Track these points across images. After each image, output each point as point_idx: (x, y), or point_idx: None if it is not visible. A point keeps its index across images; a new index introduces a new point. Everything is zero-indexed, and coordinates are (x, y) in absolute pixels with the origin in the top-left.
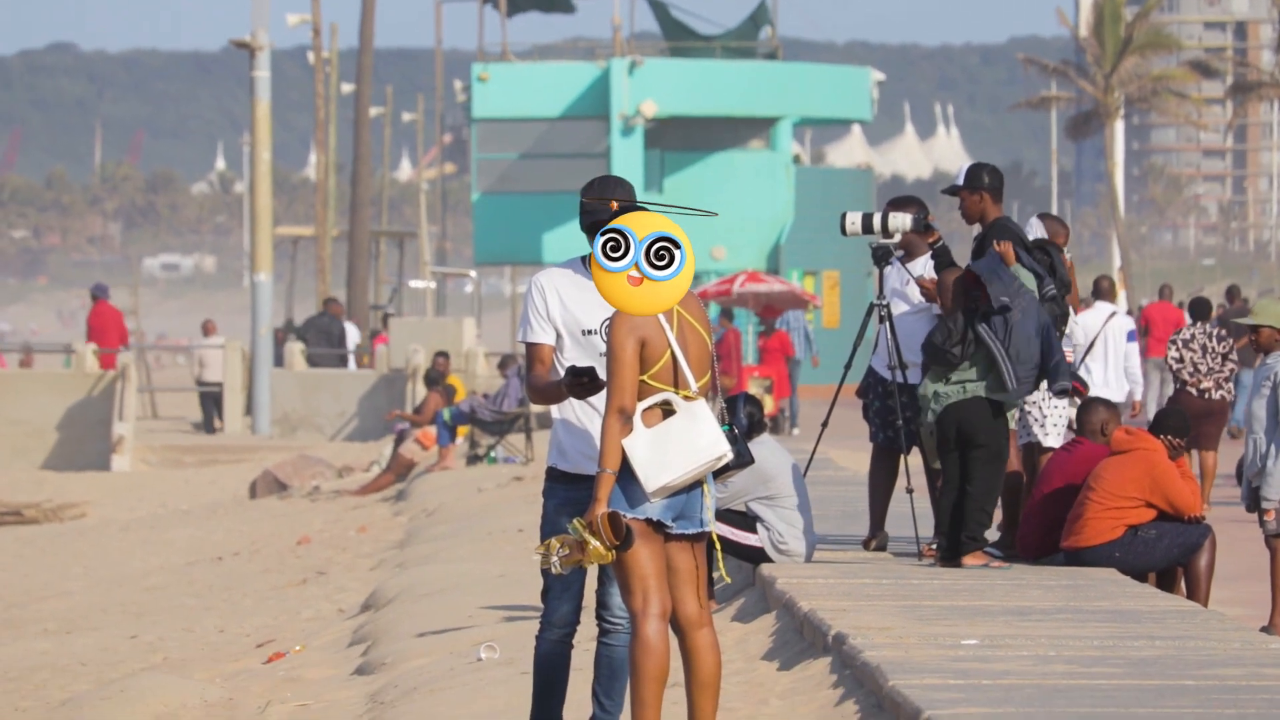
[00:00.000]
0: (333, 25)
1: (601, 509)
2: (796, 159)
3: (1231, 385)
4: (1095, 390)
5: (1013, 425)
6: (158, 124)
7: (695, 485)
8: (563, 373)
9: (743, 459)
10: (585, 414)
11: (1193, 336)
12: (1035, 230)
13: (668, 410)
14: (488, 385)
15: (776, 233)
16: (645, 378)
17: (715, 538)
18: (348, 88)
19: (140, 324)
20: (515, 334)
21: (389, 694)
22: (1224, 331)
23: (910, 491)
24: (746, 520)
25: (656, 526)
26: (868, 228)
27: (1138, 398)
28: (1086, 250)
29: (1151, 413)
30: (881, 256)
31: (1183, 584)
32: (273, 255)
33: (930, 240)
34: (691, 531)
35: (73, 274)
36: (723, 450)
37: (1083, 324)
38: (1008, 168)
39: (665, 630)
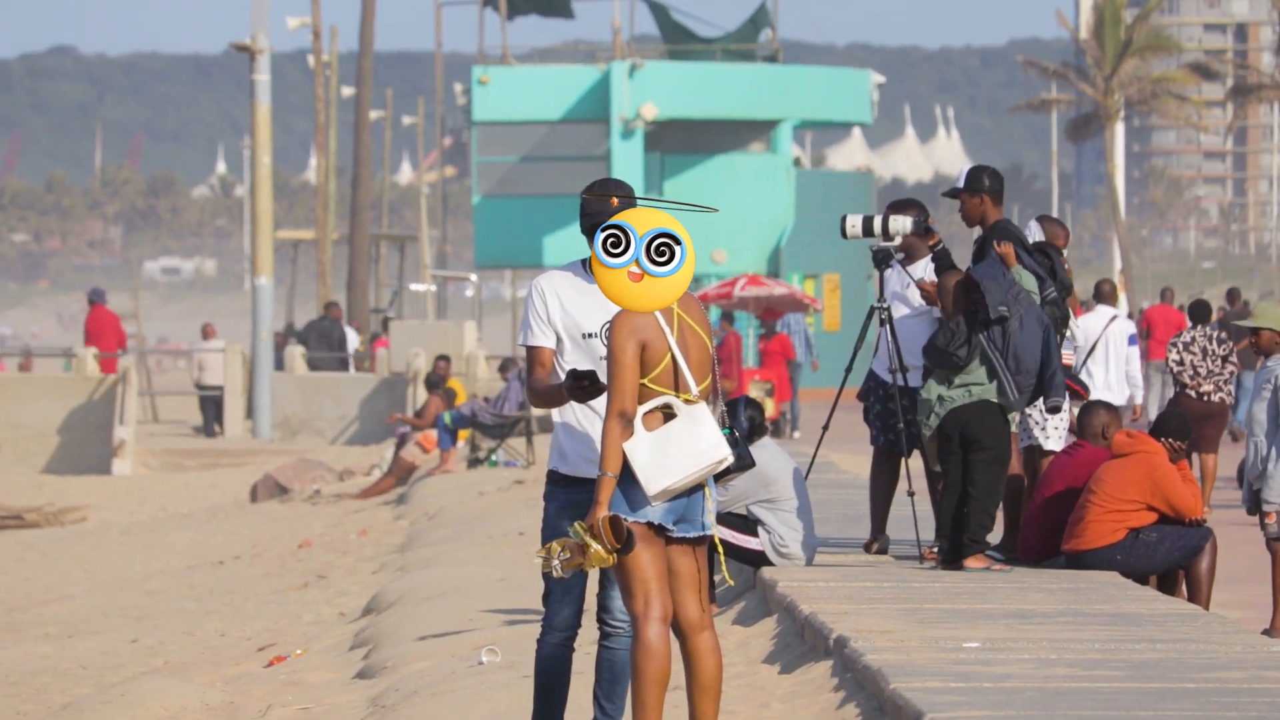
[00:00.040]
0: (333, 28)
1: (603, 512)
2: (797, 162)
3: (1232, 388)
4: (1096, 393)
5: (1014, 429)
6: (158, 127)
7: (696, 488)
8: (563, 376)
9: (744, 462)
10: (586, 417)
11: (1193, 339)
12: (1034, 234)
13: (669, 414)
14: (488, 389)
15: (777, 236)
16: (646, 381)
17: (717, 541)
18: (348, 91)
19: (141, 328)
20: (516, 337)
21: (390, 697)
22: (1224, 334)
23: (911, 494)
24: (747, 524)
25: (658, 530)
26: (868, 230)
27: (1138, 402)
28: (1087, 253)
29: (1153, 415)
30: (882, 259)
31: (1184, 587)
32: (273, 259)
33: (931, 243)
34: (693, 535)
35: (73, 278)
36: (724, 453)
37: (1084, 327)
38: (1008, 170)
39: (666, 634)
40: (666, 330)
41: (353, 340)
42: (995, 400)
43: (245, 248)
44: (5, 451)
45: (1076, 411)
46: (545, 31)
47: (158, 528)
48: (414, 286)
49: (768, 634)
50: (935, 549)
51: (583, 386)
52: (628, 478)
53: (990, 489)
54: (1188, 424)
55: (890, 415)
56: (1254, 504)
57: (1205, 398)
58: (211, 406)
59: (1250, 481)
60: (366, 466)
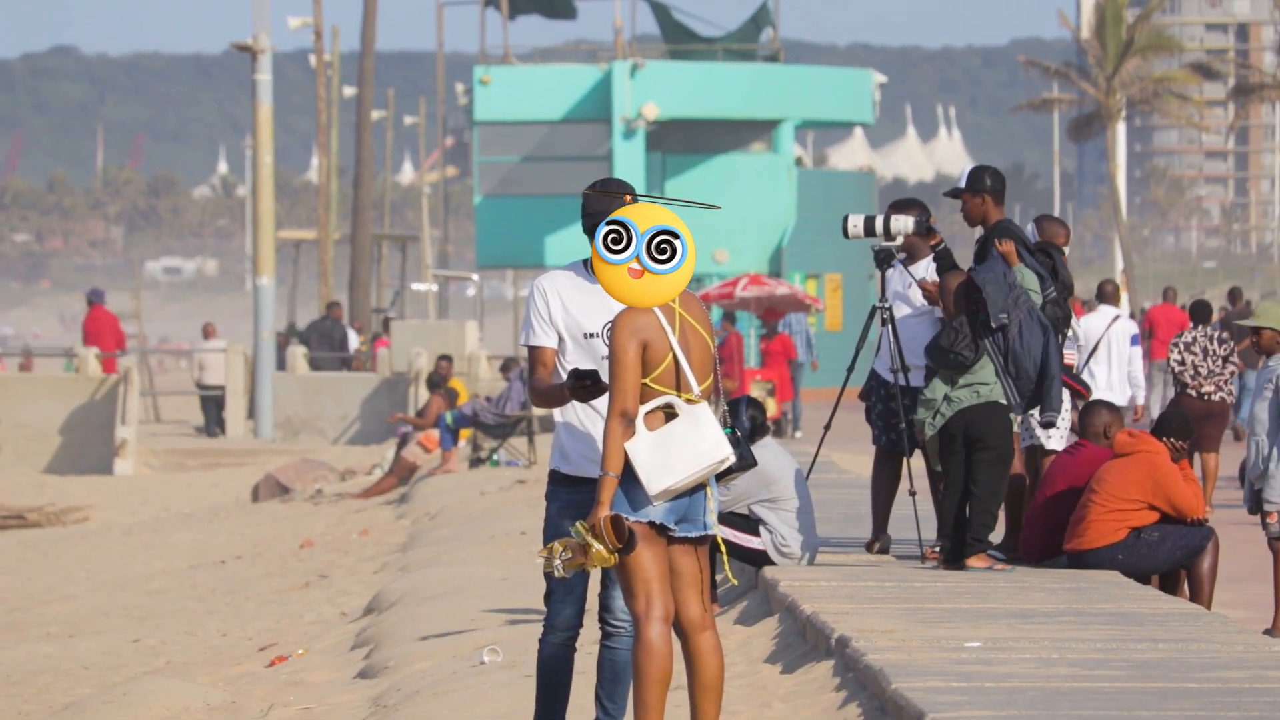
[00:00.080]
0: (334, 28)
1: (604, 512)
2: (798, 161)
3: (1233, 387)
4: (1098, 393)
5: (1016, 428)
6: (159, 127)
7: (698, 488)
8: (565, 376)
9: (745, 462)
10: (588, 417)
11: (1194, 340)
12: (1031, 237)
13: (670, 413)
14: (490, 388)
15: (778, 235)
16: (648, 381)
17: (720, 540)
18: (349, 91)
19: (142, 328)
20: (517, 337)
21: (391, 697)
22: (1225, 334)
23: (913, 494)
24: (749, 523)
25: (659, 529)
26: (870, 230)
27: (1140, 402)
28: (1089, 253)
29: (1156, 415)
30: (883, 259)
31: (1186, 586)
32: (275, 259)
33: (932, 243)
34: (694, 534)
35: (75, 278)
36: (725, 453)
37: (1086, 327)
38: (1009, 170)
39: (668, 633)
40: (668, 330)
41: (352, 341)
42: (1003, 401)
43: (247, 248)
44: (7, 451)
45: (1078, 411)
46: (547, 31)
47: (159, 528)
48: (415, 286)
49: (769, 634)
50: (937, 548)
51: (585, 386)
52: (629, 477)
53: (993, 488)
54: (1189, 424)
55: (892, 415)
56: (1255, 503)
57: (1206, 397)
58: (212, 406)
59: (1252, 481)
60: (368, 466)
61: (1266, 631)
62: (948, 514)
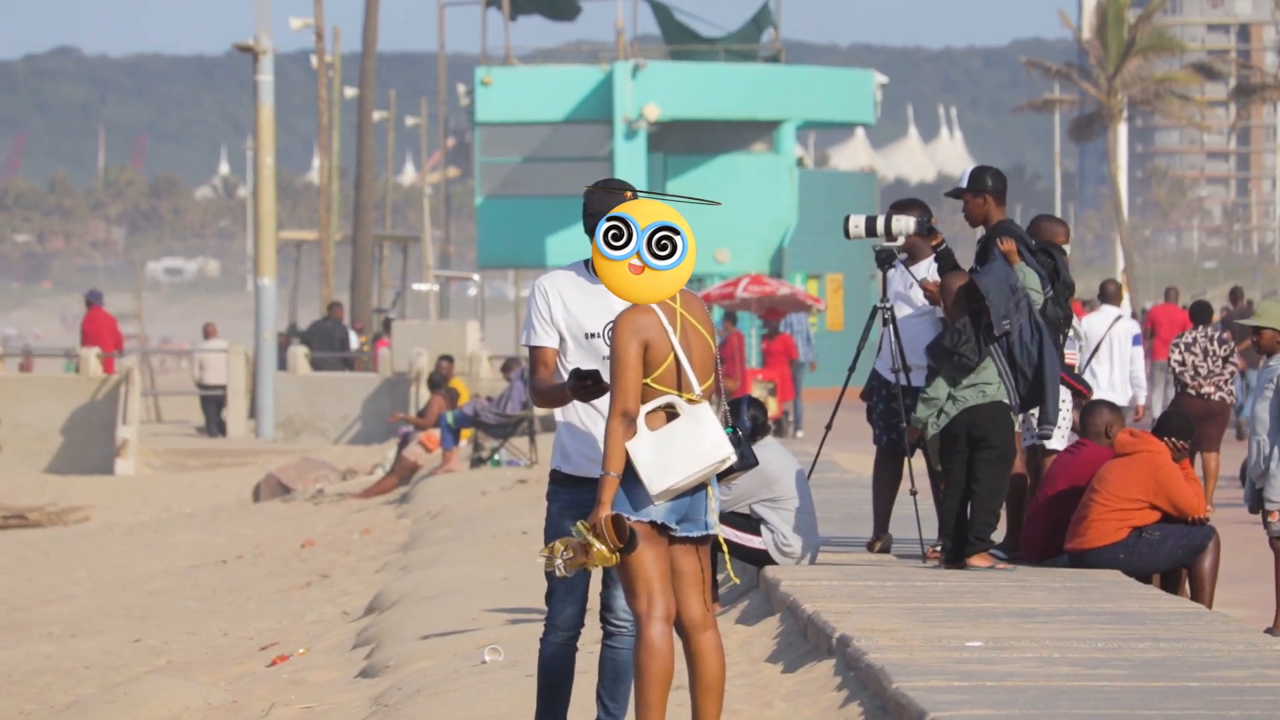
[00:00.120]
0: (335, 29)
1: (605, 512)
2: (800, 162)
3: (1233, 387)
4: (1100, 393)
5: (1017, 428)
6: (161, 128)
7: (699, 488)
8: (566, 376)
9: (746, 461)
10: (589, 417)
11: (1194, 340)
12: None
13: (671, 413)
14: (491, 388)
15: (780, 236)
16: (649, 381)
17: (722, 540)
18: (351, 92)
19: (144, 328)
20: (518, 337)
21: (393, 697)
22: (1225, 334)
23: (914, 494)
24: (750, 523)
25: (661, 529)
26: (871, 231)
27: (1141, 402)
28: (1090, 253)
29: (1157, 415)
30: (885, 259)
31: (1187, 586)
32: (276, 259)
33: (934, 243)
34: (696, 534)
35: (76, 278)
36: (726, 453)
37: (1088, 327)
38: (1011, 170)
39: (670, 633)
40: (669, 330)
41: (353, 342)
42: (1006, 400)
43: (248, 248)
44: (8, 452)
45: (1079, 411)
46: (548, 32)
47: (161, 527)
48: (417, 287)
49: (770, 633)
50: (938, 548)
51: (586, 386)
52: (631, 477)
53: (995, 488)
54: (1190, 423)
55: (893, 415)
56: (1256, 502)
57: (1205, 397)
58: (213, 406)
59: (1253, 480)
60: (369, 466)
61: (1268, 630)
62: (949, 513)
